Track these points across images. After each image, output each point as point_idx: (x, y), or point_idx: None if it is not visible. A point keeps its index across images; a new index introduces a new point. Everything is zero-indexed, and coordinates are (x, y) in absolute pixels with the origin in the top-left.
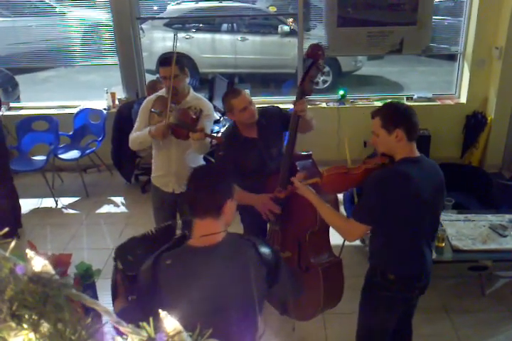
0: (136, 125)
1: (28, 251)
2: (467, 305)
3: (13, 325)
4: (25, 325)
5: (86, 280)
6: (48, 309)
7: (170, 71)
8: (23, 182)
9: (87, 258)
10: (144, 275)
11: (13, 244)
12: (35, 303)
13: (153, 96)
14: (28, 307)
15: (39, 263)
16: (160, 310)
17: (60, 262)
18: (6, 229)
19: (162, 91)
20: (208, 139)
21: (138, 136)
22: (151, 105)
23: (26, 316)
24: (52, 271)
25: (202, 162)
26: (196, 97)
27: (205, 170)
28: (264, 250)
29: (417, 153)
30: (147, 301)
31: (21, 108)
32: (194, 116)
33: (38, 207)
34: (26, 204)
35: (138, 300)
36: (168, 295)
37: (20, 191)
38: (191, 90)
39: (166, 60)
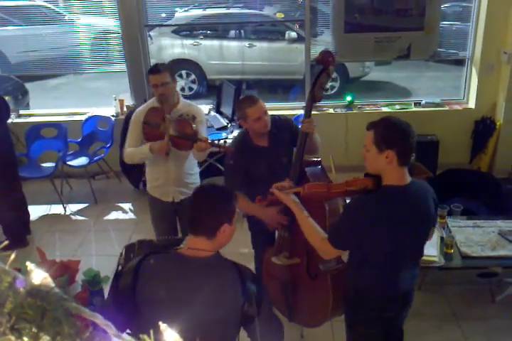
0: (128, 139)
1: (28, 263)
2: (477, 312)
3: (13, 338)
4: (25, 338)
5: (94, 286)
6: (46, 323)
7: (160, 78)
8: (32, 188)
9: (95, 265)
10: (127, 271)
11: (12, 256)
12: (34, 316)
13: (143, 108)
14: (28, 320)
15: (39, 276)
16: (160, 323)
17: (68, 269)
18: (6, 243)
19: (151, 102)
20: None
21: (136, 152)
22: (143, 117)
23: (26, 329)
24: (52, 284)
25: (197, 168)
26: (187, 104)
27: (210, 190)
28: (250, 284)
29: (407, 180)
30: (122, 297)
31: (31, 115)
32: (195, 126)
33: (47, 214)
34: (35, 211)
35: (114, 296)
36: (143, 293)
37: (29, 198)
38: (181, 97)
39: (155, 67)
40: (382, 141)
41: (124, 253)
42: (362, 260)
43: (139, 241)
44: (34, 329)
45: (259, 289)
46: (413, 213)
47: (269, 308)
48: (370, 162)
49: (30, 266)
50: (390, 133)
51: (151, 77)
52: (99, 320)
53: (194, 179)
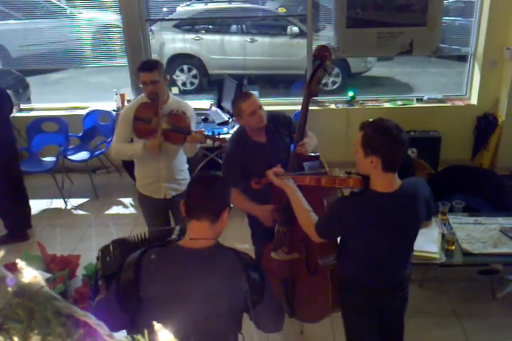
0: (116, 134)
1: (18, 261)
2: (477, 309)
3: (1, 338)
4: (15, 338)
5: (93, 280)
6: (35, 323)
7: (150, 76)
8: (33, 183)
9: (95, 260)
10: (127, 267)
11: (1, 254)
12: (23, 316)
13: (132, 104)
14: (18, 320)
15: (28, 275)
16: (154, 322)
17: (68, 263)
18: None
19: (140, 98)
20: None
21: (127, 149)
22: (134, 113)
23: (15, 329)
24: (42, 283)
25: (186, 164)
26: (176, 100)
27: (210, 176)
28: (252, 271)
29: (394, 187)
30: (125, 293)
31: (32, 109)
32: (188, 120)
33: (48, 208)
34: (36, 205)
35: (116, 292)
36: (147, 289)
37: (30, 192)
38: (171, 94)
39: (145, 65)
40: (367, 145)
41: (100, 256)
42: (347, 253)
43: (113, 241)
44: (23, 330)
45: (261, 275)
46: (397, 218)
47: (271, 293)
48: (358, 163)
49: (20, 263)
50: (376, 138)
51: (141, 74)
52: (91, 319)
53: (185, 175)
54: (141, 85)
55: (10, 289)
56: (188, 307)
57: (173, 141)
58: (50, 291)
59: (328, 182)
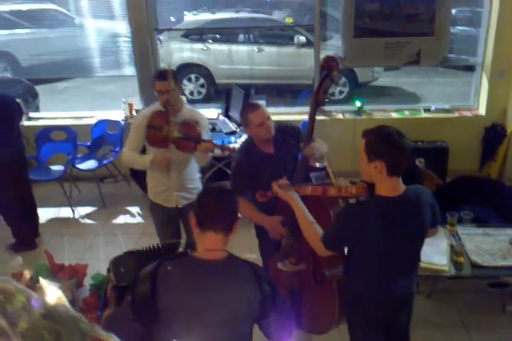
0: (128, 141)
1: (41, 279)
2: (487, 321)
3: None
4: None
5: (102, 291)
6: None
7: (166, 85)
8: (41, 191)
9: (103, 269)
10: (143, 279)
11: (28, 275)
12: (48, 339)
13: (146, 112)
14: None
15: (53, 296)
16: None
17: (76, 272)
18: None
19: (154, 107)
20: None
21: (135, 160)
22: (147, 121)
23: None
24: (68, 305)
25: (198, 173)
26: (190, 109)
27: (223, 188)
28: (264, 282)
29: (399, 191)
30: (142, 306)
31: (40, 118)
32: (199, 129)
33: (56, 217)
34: (44, 214)
35: (133, 304)
36: (164, 301)
37: (38, 200)
38: (185, 103)
39: (162, 74)
40: (371, 151)
41: (111, 268)
42: (354, 265)
43: (125, 252)
44: None
45: (272, 285)
46: (403, 223)
47: (281, 302)
48: (363, 170)
49: (42, 282)
50: (379, 143)
51: (158, 83)
52: (114, 340)
53: (197, 184)
54: (156, 94)
55: (37, 310)
56: (205, 318)
57: (183, 149)
58: (76, 313)
59: (333, 191)
